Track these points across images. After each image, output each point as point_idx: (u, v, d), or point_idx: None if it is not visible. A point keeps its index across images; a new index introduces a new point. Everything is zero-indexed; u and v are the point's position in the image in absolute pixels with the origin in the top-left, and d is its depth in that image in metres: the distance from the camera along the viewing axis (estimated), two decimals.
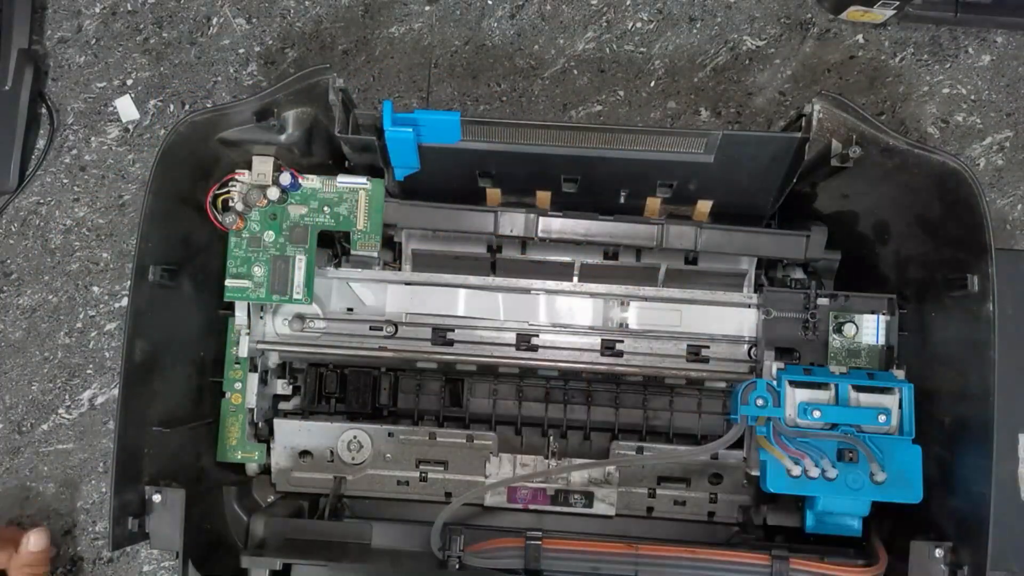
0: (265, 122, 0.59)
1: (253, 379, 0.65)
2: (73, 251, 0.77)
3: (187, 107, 0.77)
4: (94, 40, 0.78)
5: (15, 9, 0.75)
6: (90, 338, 0.77)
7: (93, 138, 0.78)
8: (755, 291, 0.65)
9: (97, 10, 0.78)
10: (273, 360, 0.66)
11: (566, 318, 0.65)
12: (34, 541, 0.68)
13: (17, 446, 0.76)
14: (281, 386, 0.67)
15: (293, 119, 0.60)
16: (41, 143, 0.78)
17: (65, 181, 0.78)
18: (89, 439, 0.76)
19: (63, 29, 0.78)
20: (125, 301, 0.75)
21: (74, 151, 0.78)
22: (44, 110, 0.77)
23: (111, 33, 0.78)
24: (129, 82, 0.78)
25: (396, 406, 0.68)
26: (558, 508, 0.66)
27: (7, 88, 0.75)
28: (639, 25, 0.77)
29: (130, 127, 0.78)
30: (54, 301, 0.77)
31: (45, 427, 0.76)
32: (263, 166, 0.62)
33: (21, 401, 0.76)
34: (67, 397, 0.76)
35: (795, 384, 0.58)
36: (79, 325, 0.77)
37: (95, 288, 0.77)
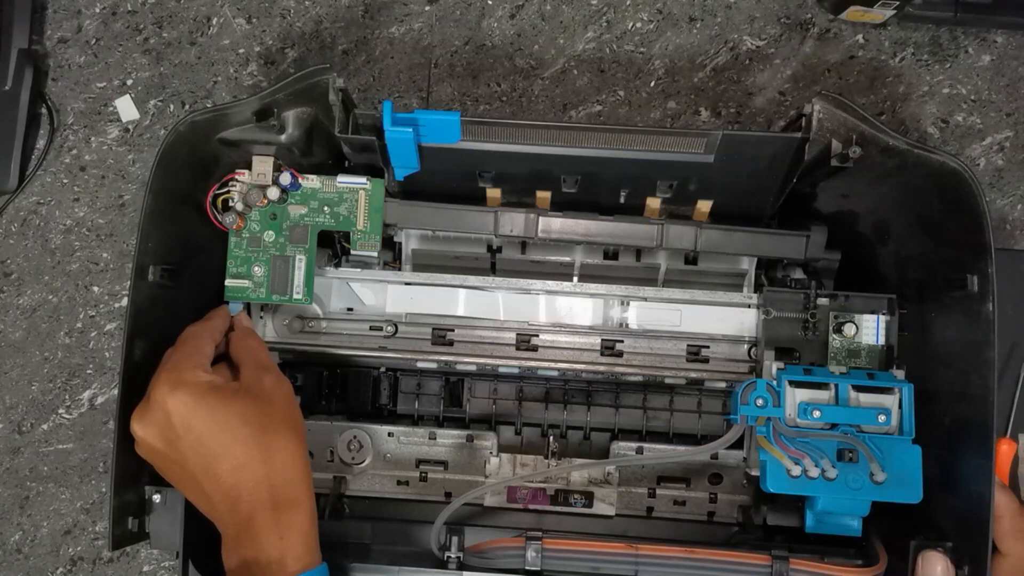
0: (265, 122, 0.59)
1: None
2: (73, 251, 0.77)
3: (187, 107, 0.77)
4: (94, 40, 0.78)
5: (15, 9, 0.75)
6: (90, 338, 0.77)
7: (93, 138, 0.78)
8: (755, 291, 0.65)
9: (97, 10, 0.78)
10: (273, 360, 0.66)
11: (566, 318, 0.65)
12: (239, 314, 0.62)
13: (17, 446, 0.76)
14: None
15: (293, 119, 0.60)
16: (41, 143, 0.78)
17: (65, 181, 0.78)
18: (89, 439, 0.76)
19: (63, 29, 0.78)
20: (125, 301, 0.75)
21: (74, 151, 0.78)
22: (44, 110, 0.77)
23: (111, 33, 0.78)
24: (129, 82, 0.78)
25: (396, 406, 0.69)
26: (558, 508, 0.66)
27: (7, 88, 0.75)
28: (639, 25, 0.77)
29: (130, 127, 0.78)
30: (54, 301, 0.77)
31: (45, 427, 0.76)
32: (263, 166, 0.62)
33: (21, 401, 0.76)
34: (67, 397, 0.76)
35: (795, 384, 0.58)
36: (79, 325, 0.77)
37: (95, 288, 0.77)
